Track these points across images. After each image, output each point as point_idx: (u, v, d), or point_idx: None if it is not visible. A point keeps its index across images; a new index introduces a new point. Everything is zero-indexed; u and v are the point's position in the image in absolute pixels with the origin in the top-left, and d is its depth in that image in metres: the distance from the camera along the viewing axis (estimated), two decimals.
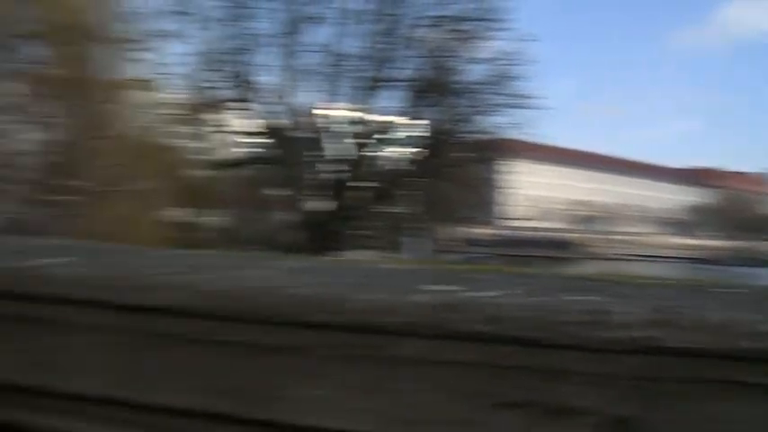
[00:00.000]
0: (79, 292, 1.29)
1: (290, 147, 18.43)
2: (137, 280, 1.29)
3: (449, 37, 18.84)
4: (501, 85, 19.02)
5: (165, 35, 12.22)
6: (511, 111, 19.03)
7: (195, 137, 17.24)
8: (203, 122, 17.82)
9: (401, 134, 20.09)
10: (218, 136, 19.06)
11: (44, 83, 12.12)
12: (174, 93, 16.29)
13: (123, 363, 1.28)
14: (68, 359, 1.30)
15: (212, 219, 18.15)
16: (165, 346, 1.25)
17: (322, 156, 19.94)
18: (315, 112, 20.14)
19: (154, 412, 1.24)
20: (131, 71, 13.18)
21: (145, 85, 13.97)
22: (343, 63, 19.35)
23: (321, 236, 17.47)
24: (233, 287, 1.23)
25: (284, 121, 19.61)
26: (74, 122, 12.21)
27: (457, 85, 19.32)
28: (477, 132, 19.74)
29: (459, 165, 19.85)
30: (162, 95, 14.99)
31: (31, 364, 1.32)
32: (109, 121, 12.14)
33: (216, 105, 18.20)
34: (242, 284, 1.25)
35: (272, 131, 19.68)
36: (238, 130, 19.66)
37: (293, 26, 19.17)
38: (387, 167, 19.66)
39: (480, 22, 18.55)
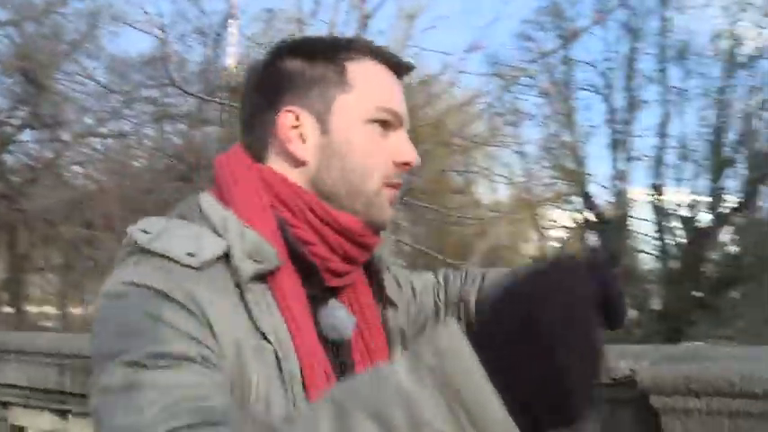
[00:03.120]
0: None
1: (618, 238, 16.47)
2: None
3: None
4: None
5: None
6: None
7: (521, 234, 16.05)
8: (531, 219, 16.42)
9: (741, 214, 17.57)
10: (544, 231, 17.78)
11: None
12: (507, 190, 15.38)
13: None
14: None
15: None
16: None
17: (655, 245, 17.92)
18: (646, 199, 17.99)
19: None
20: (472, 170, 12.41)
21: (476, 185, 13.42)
22: (677, 146, 17.65)
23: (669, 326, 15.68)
24: None
25: (612, 212, 17.72)
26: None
27: None
28: None
29: None
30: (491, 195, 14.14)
31: None
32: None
33: (543, 200, 16.92)
34: None
35: (598, 223, 17.73)
36: (563, 225, 18.04)
37: (626, 112, 17.76)
38: (726, 253, 17.38)
39: None
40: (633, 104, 17.95)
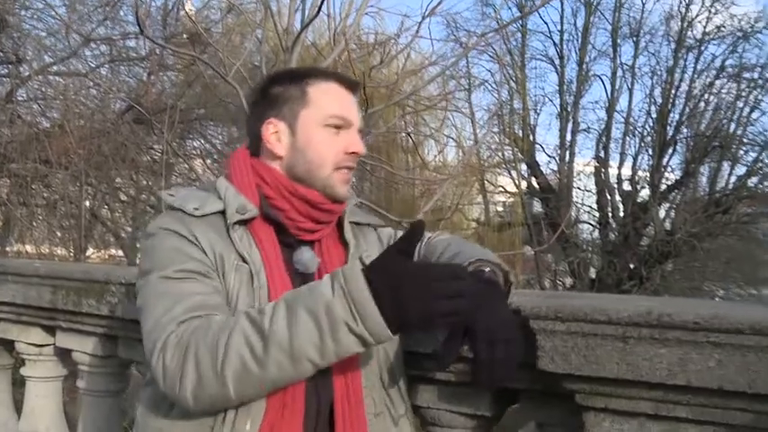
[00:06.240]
0: None
1: (563, 207, 16.62)
2: None
3: (741, 87, 17.36)
4: None
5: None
6: None
7: (469, 198, 15.55)
8: (477, 182, 16.15)
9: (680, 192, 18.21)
10: (490, 197, 17.82)
11: None
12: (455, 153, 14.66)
13: None
14: None
15: None
16: None
17: (596, 216, 18.31)
18: (589, 171, 18.50)
19: None
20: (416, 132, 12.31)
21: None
22: (624, 121, 18.04)
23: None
24: None
25: (558, 181, 18.22)
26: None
27: (746, 138, 17.67)
28: None
29: (752, 221, 17.95)
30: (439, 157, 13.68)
31: None
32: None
33: (490, 166, 16.70)
34: None
35: (542, 191, 18.21)
36: (510, 191, 18.13)
37: (575, 85, 18.18)
38: (665, 228, 17.46)
39: None
40: (584, 77, 18.34)
